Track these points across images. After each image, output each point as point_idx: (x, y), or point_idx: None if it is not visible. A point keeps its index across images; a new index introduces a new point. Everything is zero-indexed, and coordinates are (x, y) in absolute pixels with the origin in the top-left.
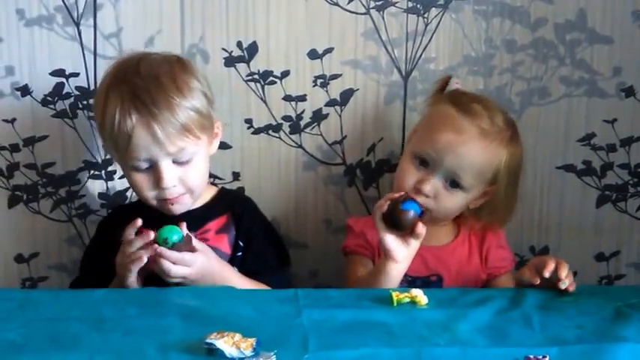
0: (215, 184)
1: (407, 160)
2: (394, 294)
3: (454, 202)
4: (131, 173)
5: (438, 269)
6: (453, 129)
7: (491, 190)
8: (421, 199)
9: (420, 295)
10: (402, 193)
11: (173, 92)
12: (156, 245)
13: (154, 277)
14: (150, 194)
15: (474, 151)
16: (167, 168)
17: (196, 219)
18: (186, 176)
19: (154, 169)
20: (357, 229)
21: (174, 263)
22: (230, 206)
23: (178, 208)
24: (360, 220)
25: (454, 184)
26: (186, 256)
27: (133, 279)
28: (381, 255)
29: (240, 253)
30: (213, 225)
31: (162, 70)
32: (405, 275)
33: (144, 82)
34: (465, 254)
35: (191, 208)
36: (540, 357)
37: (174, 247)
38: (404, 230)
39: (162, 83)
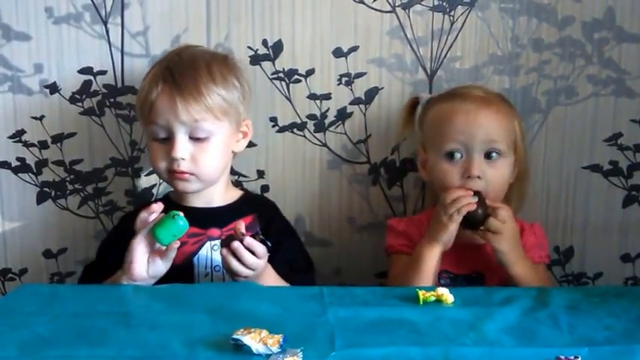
0: (239, 187)
1: (440, 163)
2: (420, 292)
3: (500, 172)
4: (151, 143)
5: (480, 266)
6: (463, 109)
7: (517, 158)
8: (475, 184)
9: (446, 293)
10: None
11: (202, 73)
12: (244, 238)
13: (178, 273)
14: (162, 165)
15: (490, 113)
16: (181, 139)
17: (222, 217)
18: (199, 155)
19: (170, 140)
20: (400, 228)
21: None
22: (255, 208)
23: (185, 186)
24: (402, 220)
25: (493, 153)
26: (263, 249)
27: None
28: None
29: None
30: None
31: (201, 57)
32: (447, 272)
33: (180, 61)
34: None
35: (215, 206)
36: (572, 357)
37: (254, 237)
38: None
39: (196, 65)
